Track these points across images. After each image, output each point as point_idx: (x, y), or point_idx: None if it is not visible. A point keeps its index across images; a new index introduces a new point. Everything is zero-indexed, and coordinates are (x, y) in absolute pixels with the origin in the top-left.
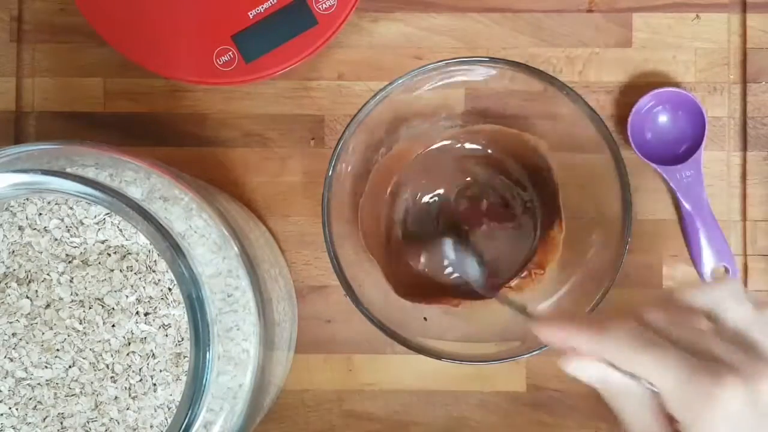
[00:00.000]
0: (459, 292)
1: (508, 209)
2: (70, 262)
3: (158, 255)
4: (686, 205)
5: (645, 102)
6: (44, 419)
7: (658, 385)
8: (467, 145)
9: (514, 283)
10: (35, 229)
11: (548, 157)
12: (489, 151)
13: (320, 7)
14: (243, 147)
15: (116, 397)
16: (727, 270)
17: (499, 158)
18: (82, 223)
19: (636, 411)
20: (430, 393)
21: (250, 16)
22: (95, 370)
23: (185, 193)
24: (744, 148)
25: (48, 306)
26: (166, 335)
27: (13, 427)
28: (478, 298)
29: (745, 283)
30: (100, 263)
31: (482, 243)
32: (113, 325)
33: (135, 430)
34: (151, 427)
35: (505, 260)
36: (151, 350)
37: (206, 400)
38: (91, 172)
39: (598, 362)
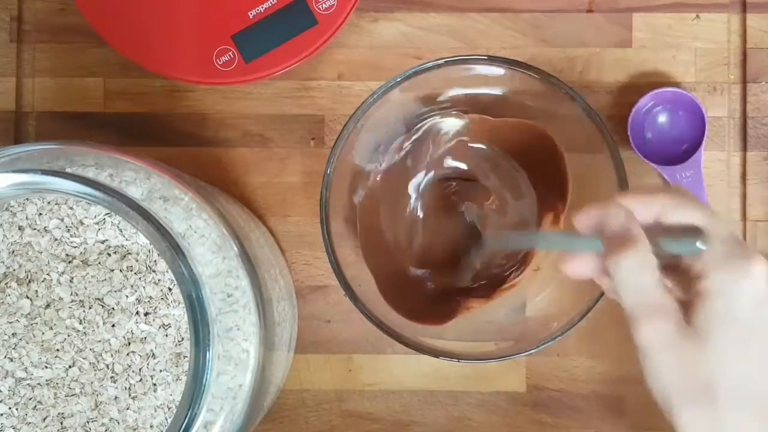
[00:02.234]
0: (454, 295)
1: (510, 204)
2: (70, 262)
3: (158, 255)
4: None
5: (645, 102)
6: (44, 419)
7: (713, 231)
8: (468, 143)
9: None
10: (35, 229)
11: (563, 150)
12: (491, 148)
13: (320, 7)
14: (243, 147)
15: (116, 397)
16: None
17: (501, 154)
18: (82, 223)
19: (641, 284)
20: (430, 393)
21: (250, 16)
22: (95, 370)
23: (185, 193)
24: (744, 148)
25: (48, 306)
26: (166, 335)
27: (13, 427)
28: (474, 299)
29: None
30: (100, 263)
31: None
32: (113, 325)
33: (135, 430)
34: (151, 427)
35: (505, 255)
36: (151, 350)
37: (206, 400)
38: (91, 172)
39: (591, 260)
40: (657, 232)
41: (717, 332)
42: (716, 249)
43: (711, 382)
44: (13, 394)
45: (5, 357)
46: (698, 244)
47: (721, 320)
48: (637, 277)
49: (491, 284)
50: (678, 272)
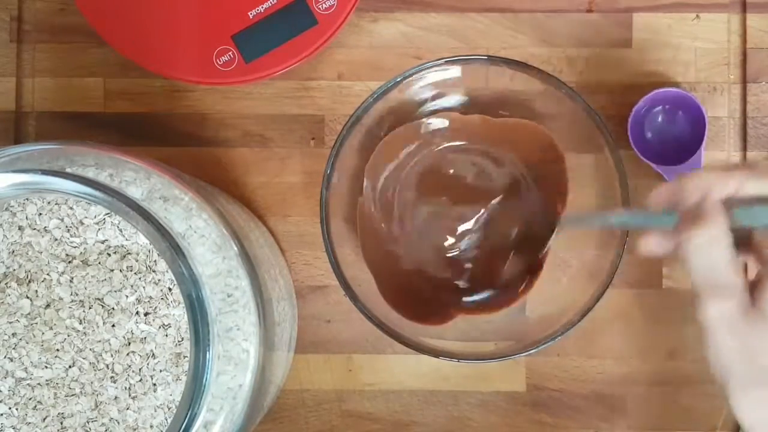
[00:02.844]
0: (453, 294)
1: (511, 204)
2: (70, 262)
3: (158, 255)
4: None
5: (645, 102)
6: (44, 419)
7: None
8: (467, 143)
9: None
10: (35, 229)
11: (563, 150)
12: (489, 148)
13: (320, 7)
14: (243, 147)
15: (116, 397)
16: None
17: (500, 155)
18: (82, 223)
19: (711, 262)
20: (430, 393)
21: (250, 16)
22: (95, 370)
23: (185, 193)
24: (744, 148)
25: (48, 306)
26: (166, 335)
27: (13, 427)
28: (471, 311)
29: None
30: (100, 263)
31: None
32: (113, 325)
33: (135, 430)
34: (151, 427)
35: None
36: (151, 350)
37: (206, 400)
38: (91, 172)
39: (665, 237)
40: (732, 203)
41: None
42: None
43: (766, 364)
44: (13, 394)
45: (5, 357)
46: None
47: None
48: (708, 255)
49: (492, 287)
50: (754, 249)
